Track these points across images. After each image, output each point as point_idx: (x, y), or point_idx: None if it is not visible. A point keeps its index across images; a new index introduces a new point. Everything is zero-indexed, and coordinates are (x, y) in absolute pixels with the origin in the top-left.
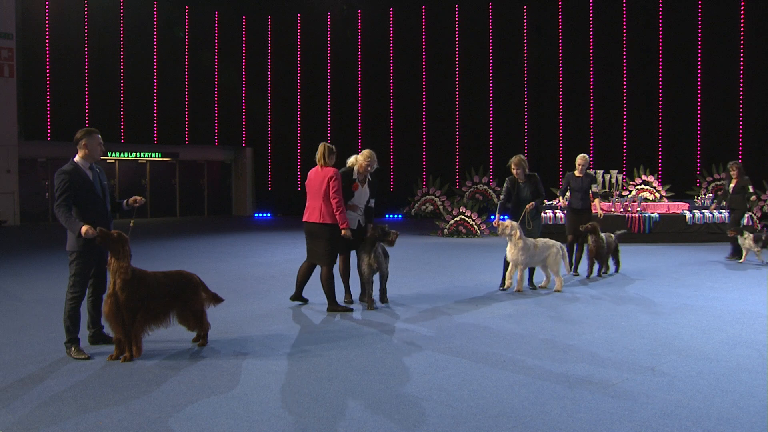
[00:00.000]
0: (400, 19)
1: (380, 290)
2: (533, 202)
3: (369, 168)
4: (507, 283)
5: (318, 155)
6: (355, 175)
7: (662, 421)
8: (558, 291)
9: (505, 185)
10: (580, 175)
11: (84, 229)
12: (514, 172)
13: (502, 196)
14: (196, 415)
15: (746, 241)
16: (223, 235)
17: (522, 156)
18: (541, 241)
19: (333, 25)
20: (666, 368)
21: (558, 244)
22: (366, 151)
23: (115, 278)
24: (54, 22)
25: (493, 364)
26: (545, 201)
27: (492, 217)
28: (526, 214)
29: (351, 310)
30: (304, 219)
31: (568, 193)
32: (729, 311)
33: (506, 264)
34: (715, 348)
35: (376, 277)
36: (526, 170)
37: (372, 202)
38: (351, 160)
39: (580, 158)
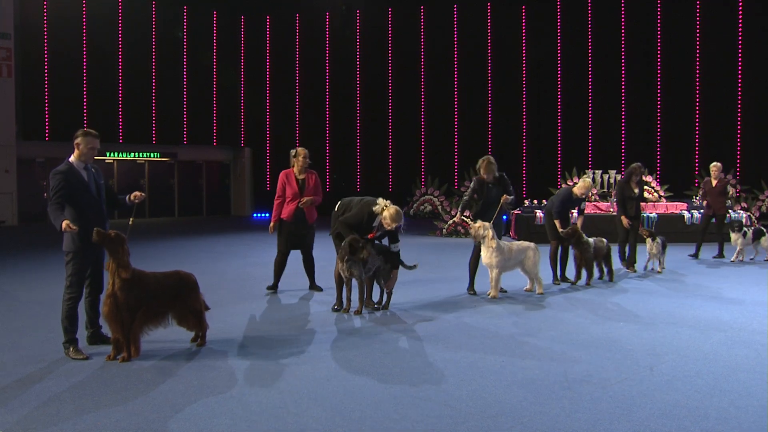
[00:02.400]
0: (399, 19)
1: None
2: (507, 196)
3: (396, 227)
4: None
5: None
6: (376, 222)
7: (661, 421)
8: (540, 294)
9: (471, 185)
10: (580, 196)
11: (64, 224)
12: (482, 175)
13: (465, 195)
14: (194, 415)
15: (654, 247)
16: (221, 235)
17: (491, 158)
18: (516, 243)
19: (331, 25)
20: (664, 368)
21: (533, 245)
22: (393, 212)
23: (114, 278)
24: (52, 22)
25: (492, 364)
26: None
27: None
28: (502, 206)
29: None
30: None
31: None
32: (727, 311)
33: (472, 266)
34: (713, 348)
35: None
36: (496, 173)
37: (398, 246)
38: (377, 207)
39: (587, 185)
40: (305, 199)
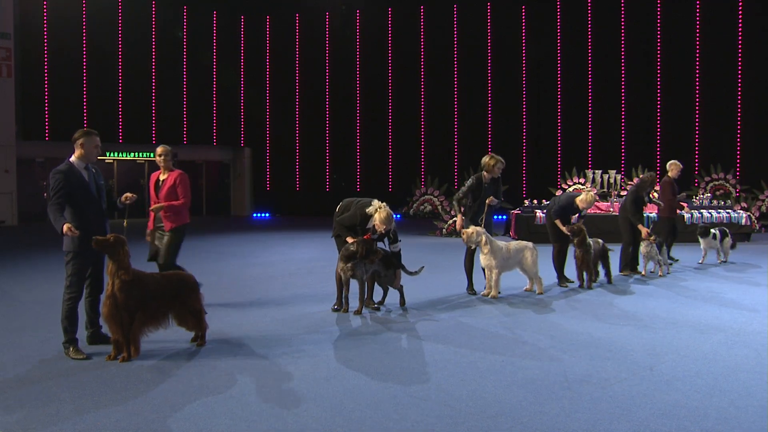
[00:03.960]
0: (399, 19)
1: (359, 296)
2: (492, 198)
3: (385, 230)
4: (486, 289)
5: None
6: (369, 224)
7: (660, 421)
8: (540, 294)
9: (469, 183)
10: (581, 209)
11: (65, 228)
12: (494, 171)
13: (461, 194)
14: (194, 415)
15: (652, 249)
16: (221, 236)
17: (503, 159)
18: (514, 243)
19: (331, 25)
20: (664, 368)
21: (530, 244)
22: (384, 215)
23: (114, 279)
24: (52, 22)
25: (492, 364)
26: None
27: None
28: (487, 208)
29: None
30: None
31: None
32: (727, 312)
33: (467, 267)
34: (713, 348)
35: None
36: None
37: (398, 246)
38: (371, 209)
39: (589, 200)
40: (154, 205)
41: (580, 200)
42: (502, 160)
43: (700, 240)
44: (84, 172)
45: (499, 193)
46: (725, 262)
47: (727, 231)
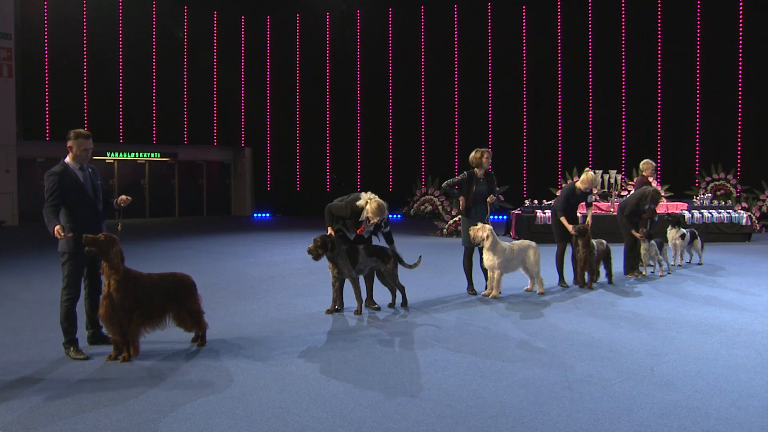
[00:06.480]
0: (399, 19)
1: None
2: (492, 196)
3: (379, 222)
4: (487, 289)
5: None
6: (362, 217)
7: (661, 421)
8: (541, 294)
9: (460, 177)
10: (584, 191)
11: (56, 230)
12: (483, 163)
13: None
14: (194, 415)
15: (652, 249)
16: (222, 236)
17: (490, 151)
18: (517, 243)
19: (332, 25)
20: (665, 368)
21: (533, 243)
22: (375, 206)
23: (109, 279)
24: (53, 22)
25: (492, 364)
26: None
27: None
28: (488, 206)
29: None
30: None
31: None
32: (728, 312)
33: (466, 268)
34: (714, 348)
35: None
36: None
37: (388, 228)
38: (361, 202)
39: (590, 178)
40: None
41: (580, 182)
42: (489, 150)
43: (669, 231)
44: (79, 173)
45: (494, 189)
46: (701, 264)
47: (696, 233)
